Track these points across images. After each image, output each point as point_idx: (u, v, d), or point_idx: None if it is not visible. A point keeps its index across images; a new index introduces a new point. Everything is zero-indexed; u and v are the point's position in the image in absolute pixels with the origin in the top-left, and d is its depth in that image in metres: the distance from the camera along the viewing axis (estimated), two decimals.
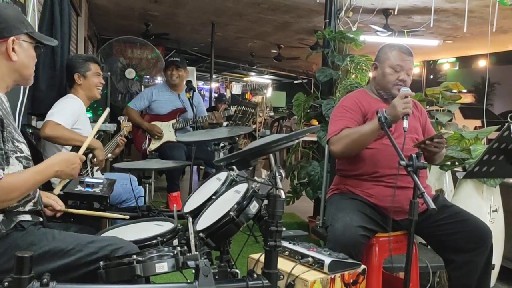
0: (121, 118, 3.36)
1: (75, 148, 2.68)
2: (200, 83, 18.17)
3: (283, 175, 1.66)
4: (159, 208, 2.70)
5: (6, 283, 1.21)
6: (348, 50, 3.92)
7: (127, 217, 1.91)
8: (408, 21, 7.15)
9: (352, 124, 2.30)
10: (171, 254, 1.42)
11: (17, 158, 1.57)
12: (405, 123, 2.07)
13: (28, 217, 1.60)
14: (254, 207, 1.61)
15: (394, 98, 2.17)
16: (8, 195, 1.47)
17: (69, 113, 2.75)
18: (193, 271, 1.41)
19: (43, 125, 2.66)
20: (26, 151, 1.63)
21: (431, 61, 13.64)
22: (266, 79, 19.40)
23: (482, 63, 11.59)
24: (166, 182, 4.47)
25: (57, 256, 1.52)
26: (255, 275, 1.50)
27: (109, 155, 3.03)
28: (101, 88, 3.01)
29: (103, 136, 3.13)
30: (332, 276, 1.75)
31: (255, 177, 1.75)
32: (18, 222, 1.56)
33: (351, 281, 1.80)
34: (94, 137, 2.50)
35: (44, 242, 1.54)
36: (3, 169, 1.47)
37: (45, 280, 1.26)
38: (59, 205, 1.89)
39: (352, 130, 2.25)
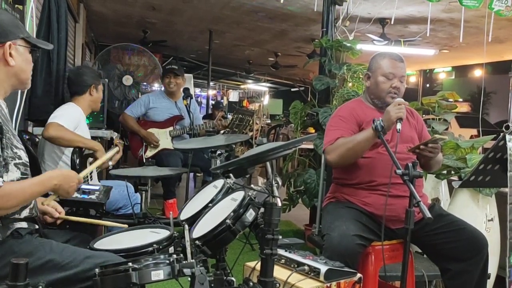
0: (114, 135, 3.45)
1: (77, 150, 2.70)
2: (197, 90, 18.18)
3: (280, 183, 1.67)
4: (155, 216, 2.69)
5: None
6: (345, 59, 3.94)
7: (126, 226, 1.90)
8: (405, 30, 7.19)
9: (347, 133, 2.31)
10: (167, 261, 1.41)
11: (15, 164, 1.57)
12: (399, 125, 2.10)
13: (24, 225, 1.59)
14: (250, 215, 1.61)
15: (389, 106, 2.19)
16: (6, 203, 1.47)
17: (71, 118, 2.82)
18: (189, 279, 1.40)
19: (46, 126, 2.70)
20: (25, 158, 1.63)
21: (427, 70, 13.69)
22: (263, 87, 19.43)
23: (478, 73, 11.64)
24: (162, 189, 4.47)
25: (53, 269, 1.50)
26: (251, 283, 1.51)
27: (110, 162, 3.05)
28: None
29: (100, 142, 3.15)
30: (328, 284, 1.75)
31: (252, 185, 1.75)
32: (15, 229, 1.55)
33: None
34: (98, 141, 2.53)
35: (41, 253, 1.52)
36: (2, 176, 1.47)
37: (41, 287, 1.26)
38: (58, 212, 1.85)
39: (347, 139, 2.26)
